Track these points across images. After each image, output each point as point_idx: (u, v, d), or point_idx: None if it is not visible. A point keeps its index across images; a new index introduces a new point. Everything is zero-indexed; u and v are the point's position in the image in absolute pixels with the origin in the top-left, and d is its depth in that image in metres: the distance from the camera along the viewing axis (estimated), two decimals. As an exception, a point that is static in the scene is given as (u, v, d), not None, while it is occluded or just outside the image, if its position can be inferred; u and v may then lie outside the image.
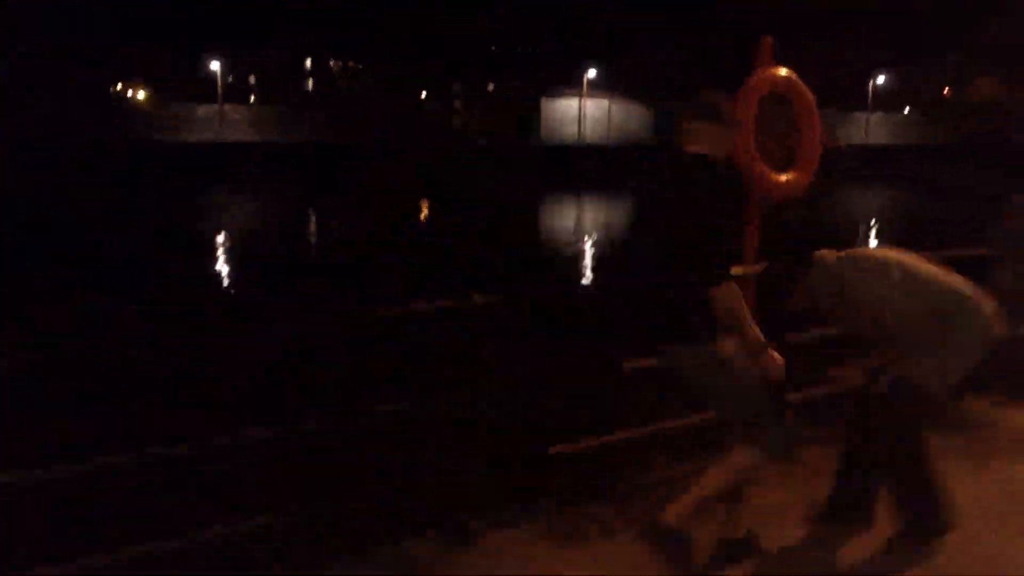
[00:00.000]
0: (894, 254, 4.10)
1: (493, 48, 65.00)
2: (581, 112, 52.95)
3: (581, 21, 56.02)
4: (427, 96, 59.65)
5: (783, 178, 5.01)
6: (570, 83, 53.45)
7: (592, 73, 53.97)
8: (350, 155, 39.97)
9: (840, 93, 51.68)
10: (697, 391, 3.86)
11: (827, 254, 4.08)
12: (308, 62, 68.22)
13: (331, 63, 67.59)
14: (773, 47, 4.98)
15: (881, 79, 60.47)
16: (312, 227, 30.16)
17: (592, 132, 52.69)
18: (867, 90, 58.49)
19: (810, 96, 5.08)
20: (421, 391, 4.40)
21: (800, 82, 5.03)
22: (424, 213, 33.97)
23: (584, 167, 41.71)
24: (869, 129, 57.78)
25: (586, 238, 27.06)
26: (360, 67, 67.07)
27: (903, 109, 62.77)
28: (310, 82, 67.59)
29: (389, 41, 59.44)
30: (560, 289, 17.21)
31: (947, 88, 66.25)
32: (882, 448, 4.10)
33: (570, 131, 52.49)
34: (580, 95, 53.10)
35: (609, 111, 53.78)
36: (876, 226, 29.97)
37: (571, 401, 6.53)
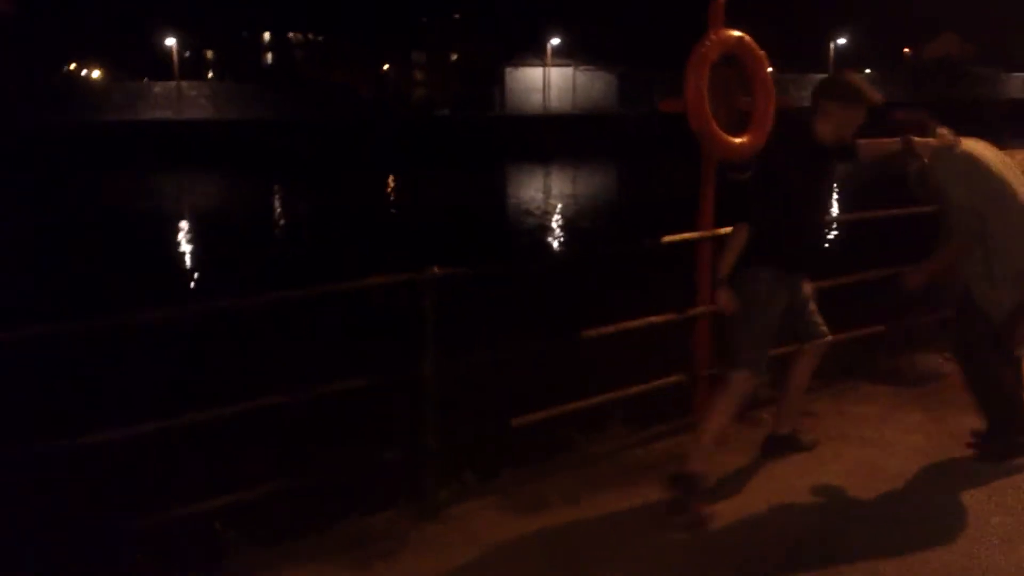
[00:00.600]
0: (990, 155, 4.22)
1: (456, 16, 64.49)
2: (545, 81, 52.70)
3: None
4: (389, 68, 59.12)
5: (738, 140, 5.02)
6: (534, 51, 53.17)
7: (555, 41, 53.68)
8: (311, 131, 39.58)
9: (799, 55, 51.99)
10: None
11: (922, 144, 4.17)
12: (266, 35, 67.30)
13: (290, 35, 66.69)
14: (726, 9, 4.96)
15: (842, 40, 60.65)
16: (277, 207, 29.90)
17: (557, 101, 52.49)
18: (827, 51, 58.70)
19: (762, 58, 5.07)
20: (383, 363, 4.38)
21: (752, 44, 5.02)
22: (391, 188, 33.77)
23: (551, 137, 41.55)
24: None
25: (553, 208, 27.04)
26: (320, 39, 66.29)
27: (864, 69, 63.05)
28: (269, 56, 66.73)
29: (348, 11, 58.72)
30: (522, 260, 17.23)
31: (907, 48, 66.60)
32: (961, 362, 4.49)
33: (535, 100, 52.26)
34: (544, 64, 52.83)
35: (574, 79, 53.57)
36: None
37: (533, 371, 6.56)
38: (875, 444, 4.81)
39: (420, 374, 4.13)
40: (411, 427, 4.24)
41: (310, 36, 66.25)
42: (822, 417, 5.22)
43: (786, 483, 4.38)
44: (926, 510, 4.11)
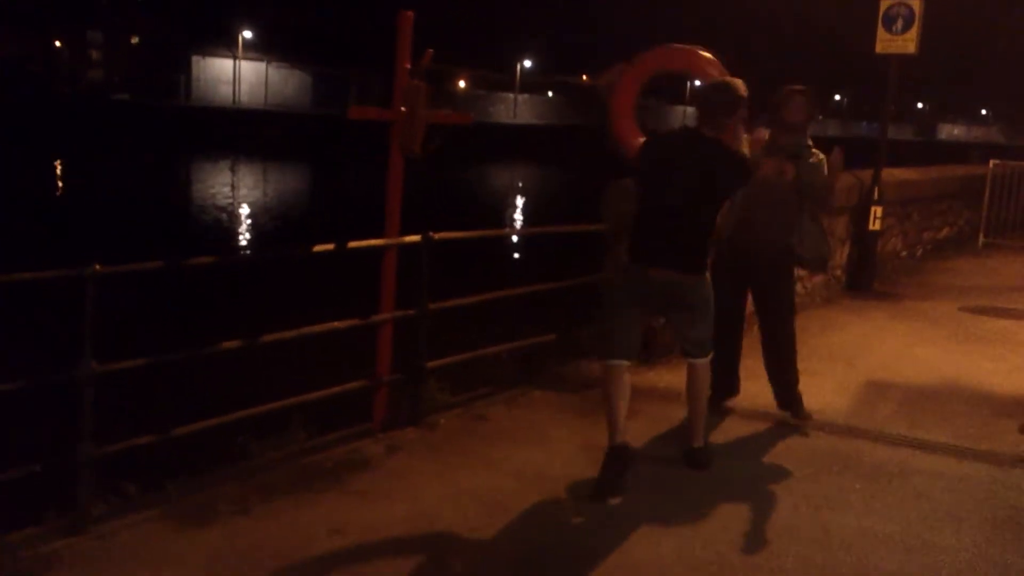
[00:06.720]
0: None
1: (138, -4, 60.41)
2: (236, 74, 50.73)
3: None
4: (60, 44, 54.13)
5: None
6: (224, 42, 51.03)
7: (248, 34, 51.86)
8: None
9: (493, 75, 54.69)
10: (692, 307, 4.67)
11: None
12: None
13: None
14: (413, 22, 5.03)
15: (528, 63, 64.03)
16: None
17: (248, 96, 50.69)
18: (515, 74, 61.80)
19: None
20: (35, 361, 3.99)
21: None
22: (58, 174, 30.90)
23: (240, 131, 40.00)
24: (516, 109, 60.90)
25: (239, 204, 26.09)
26: (-22, 4, 59.46)
27: (547, 92, 66.92)
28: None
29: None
30: (195, 258, 16.40)
31: (585, 75, 71.47)
32: None
33: (224, 92, 50.16)
34: (235, 56, 50.85)
35: (266, 74, 52.04)
36: (522, 199, 31.75)
37: (206, 375, 6.28)
38: (539, 445, 5.07)
39: (77, 376, 3.81)
40: (64, 434, 3.89)
41: (-34, -1, 59.23)
42: (495, 421, 5.44)
43: (456, 485, 4.50)
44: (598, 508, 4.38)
